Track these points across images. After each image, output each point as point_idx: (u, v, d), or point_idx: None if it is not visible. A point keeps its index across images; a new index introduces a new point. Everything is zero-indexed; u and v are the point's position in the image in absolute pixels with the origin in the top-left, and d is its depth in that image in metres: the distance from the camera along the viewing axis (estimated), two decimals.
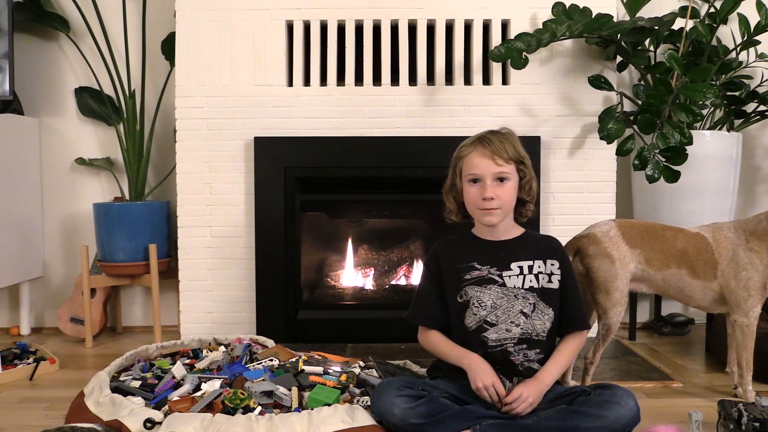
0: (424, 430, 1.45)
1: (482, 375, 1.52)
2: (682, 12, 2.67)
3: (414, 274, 2.87)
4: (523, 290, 1.61)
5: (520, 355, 1.59)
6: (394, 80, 2.68)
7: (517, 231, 1.70)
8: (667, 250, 1.92)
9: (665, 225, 1.99)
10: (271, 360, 1.94)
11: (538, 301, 1.61)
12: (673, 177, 2.34)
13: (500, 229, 1.66)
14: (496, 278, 1.62)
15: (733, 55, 2.75)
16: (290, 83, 2.69)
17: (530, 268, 1.63)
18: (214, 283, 2.69)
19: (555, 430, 1.42)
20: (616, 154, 2.57)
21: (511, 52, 2.42)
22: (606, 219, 2.03)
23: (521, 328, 1.59)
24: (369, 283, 2.86)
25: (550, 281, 1.64)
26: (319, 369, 1.85)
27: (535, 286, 1.62)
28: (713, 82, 2.72)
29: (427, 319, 1.68)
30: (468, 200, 1.64)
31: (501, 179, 1.60)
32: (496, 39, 2.65)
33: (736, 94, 2.77)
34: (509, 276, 1.62)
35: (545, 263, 1.65)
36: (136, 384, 1.81)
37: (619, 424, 1.43)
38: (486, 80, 2.70)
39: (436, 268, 1.68)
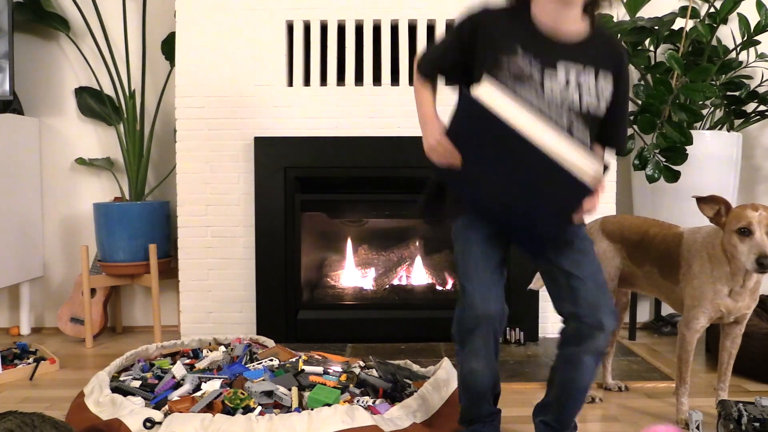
0: None
1: (429, 132, 1.41)
2: (682, 12, 2.67)
3: (414, 274, 2.88)
4: (558, 106, 1.36)
5: None
6: (394, 80, 2.68)
7: (583, 27, 1.39)
8: (645, 246, 1.85)
9: (659, 222, 1.92)
10: (271, 360, 1.94)
11: (576, 121, 1.38)
12: (673, 177, 2.34)
13: (569, 17, 1.35)
14: (536, 74, 1.35)
15: (733, 55, 2.75)
16: (290, 83, 2.69)
17: (578, 75, 1.37)
18: (214, 283, 2.69)
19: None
20: (616, 154, 2.57)
21: None
22: None
23: None
24: (369, 283, 2.86)
25: (596, 97, 1.39)
26: (319, 369, 1.85)
27: (575, 101, 1.37)
28: (713, 82, 2.72)
29: (432, 69, 1.50)
30: None
31: None
32: None
33: (736, 94, 2.77)
34: (550, 77, 1.36)
35: (597, 75, 1.38)
36: (136, 384, 1.81)
37: None
38: None
39: (469, 35, 1.41)
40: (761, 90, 2.77)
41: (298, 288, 2.67)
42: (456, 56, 1.45)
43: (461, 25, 1.44)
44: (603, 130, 1.45)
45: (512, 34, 1.38)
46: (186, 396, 1.68)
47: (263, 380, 1.74)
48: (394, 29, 2.68)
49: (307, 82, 2.68)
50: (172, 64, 2.77)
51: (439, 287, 2.85)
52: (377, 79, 2.67)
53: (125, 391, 1.73)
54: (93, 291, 2.84)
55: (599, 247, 1.91)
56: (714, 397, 1.85)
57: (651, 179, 2.36)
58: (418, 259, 2.89)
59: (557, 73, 1.36)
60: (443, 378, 1.80)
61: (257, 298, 2.65)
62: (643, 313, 3.00)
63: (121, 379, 1.88)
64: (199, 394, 1.70)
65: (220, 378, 1.79)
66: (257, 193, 2.64)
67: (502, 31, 1.39)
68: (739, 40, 2.70)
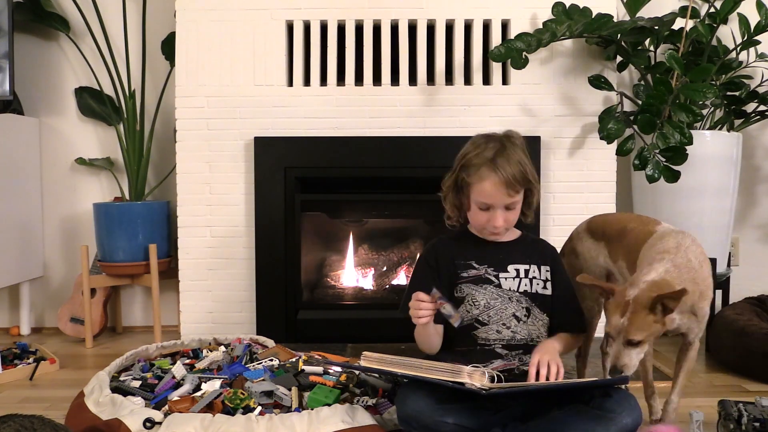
0: None
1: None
2: (682, 12, 2.67)
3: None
4: (517, 293, 1.62)
5: (516, 360, 1.59)
6: (394, 80, 2.68)
7: (515, 233, 1.71)
8: (621, 241, 1.79)
9: (640, 217, 1.85)
10: (271, 360, 1.94)
11: (533, 306, 1.63)
12: (673, 177, 2.34)
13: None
14: (493, 278, 1.63)
15: (733, 55, 2.75)
16: (290, 83, 2.69)
17: (526, 272, 1.65)
18: (214, 283, 2.69)
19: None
20: (616, 154, 2.57)
21: (511, 52, 2.42)
22: None
23: (512, 331, 1.60)
24: (369, 283, 2.86)
25: (544, 287, 1.66)
26: (319, 369, 1.85)
27: (529, 290, 1.63)
28: (713, 82, 2.72)
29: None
30: (475, 220, 1.64)
31: (510, 207, 1.60)
32: (496, 39, 2.64)
33: (736, 94, 2.77)
34: (505, 278, 1.63)
35: (540, 269, 1.66)
36: (136, 384, 1.81)
37: (628, 428, 1.40)
38: (486, 80, 2.70)
39: (435, 263, 1.68)
40: (761, 90, 2.77)
41: (298, 288, 2.66)
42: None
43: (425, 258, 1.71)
44: (561, 316, 1.66)
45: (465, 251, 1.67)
46: (186, 396, 1.68)
47: (263, 380, 1.74)
48: (394, 29, 2.67)
49: (307, 82, 2.68)
50: (172, 64, 2.77)
51: None
52: (377, 79, 2.67)
53: (125, 391, 1.73)
54: (93, 291, 2.84)
55: (584, 245, 1.87)
56: (714, 397, 1.84)
57: (651, 179, 2.36)
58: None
59: (509, 271, 1.64)
60: None
61: (257, 298, 2.65)
62: None
63: (121, 379, 1.88)
64: (199, 394, 1.70)
65: (220, 378, 1.79)
66: (257, 193, 2.64)
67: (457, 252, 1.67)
68: (739, 40, 2.70)
